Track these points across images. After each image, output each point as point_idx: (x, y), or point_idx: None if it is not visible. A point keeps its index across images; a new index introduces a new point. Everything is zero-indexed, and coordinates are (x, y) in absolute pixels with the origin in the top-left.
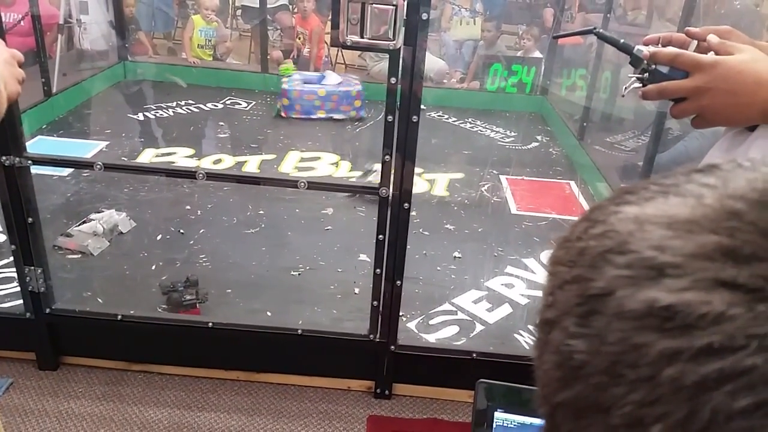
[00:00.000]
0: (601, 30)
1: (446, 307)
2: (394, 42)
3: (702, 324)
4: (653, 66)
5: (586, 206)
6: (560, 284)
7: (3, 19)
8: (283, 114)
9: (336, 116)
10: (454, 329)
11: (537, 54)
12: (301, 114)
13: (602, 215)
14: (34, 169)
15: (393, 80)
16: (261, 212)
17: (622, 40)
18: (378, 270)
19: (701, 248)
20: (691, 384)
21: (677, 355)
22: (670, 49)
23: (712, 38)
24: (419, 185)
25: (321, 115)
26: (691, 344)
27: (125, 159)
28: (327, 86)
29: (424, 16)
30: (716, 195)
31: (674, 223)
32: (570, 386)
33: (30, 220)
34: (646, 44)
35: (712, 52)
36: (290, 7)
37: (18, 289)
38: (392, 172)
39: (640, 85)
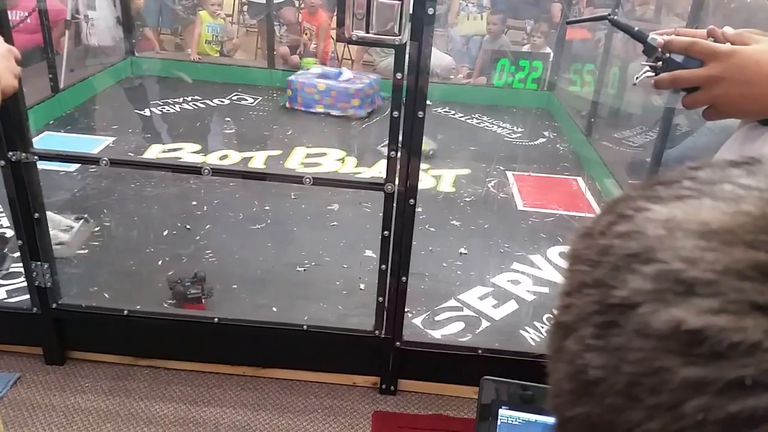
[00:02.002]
0: (615, 17)
1: (452, 303)
2: (400, 37)
3: (733, 354)
4: (667, 54)
5: (593, 202)
6: (579, 286)
7: (9, 17)
8: (287, 105)
9: (333, 112)
10: (459, 325)
11: (545, 49)
12: (302, 107)
13: (630, 210)
14: (41, 165)
15: (399, 76)
16: (267, 208)
17: (636, 28)
18: (383, 266)
19: (736, 264)
20: (717, 420)
21: (703, 386)
22: (686, 38)
23: (728, 29)
24: (425, 181)
25: (319, 109)
26: (720, 375)
27: (132, 155)
28: (326, 81)
29: (430, 11)
30: (756, 201)
31: (708, 233)
32: (583, 402)
33: (36, 215)
34: (660, 35)
35: (728, 43)
36: (295, 2)
37: (25, 284)
38: (398, 167)
39: (653, 74)
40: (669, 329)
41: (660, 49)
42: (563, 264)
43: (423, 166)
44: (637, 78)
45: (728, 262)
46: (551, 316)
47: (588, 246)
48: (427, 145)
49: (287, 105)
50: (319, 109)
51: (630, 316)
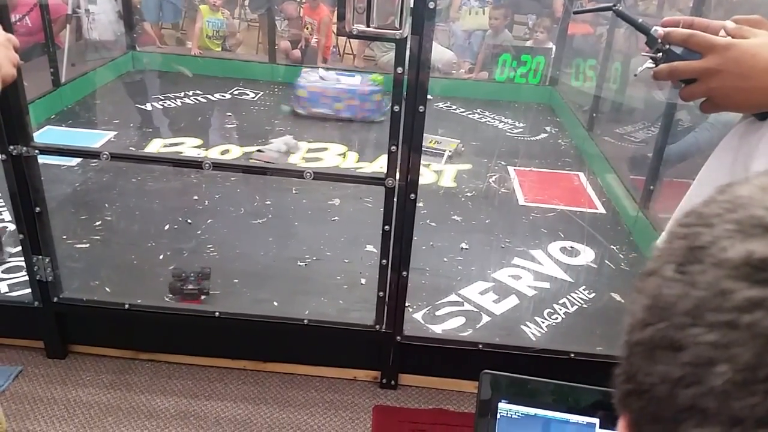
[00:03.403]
0: (620, 8)
1: (453, 298)
2: (400, 31)
3: None
4: (667, 46)
5: (594, 198)
6: (671, 239)
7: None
8: (297, 110)
9: (351, 116)
10: (460, 320)
11: (548, 44)
12: (315, 110)
13: (729, 187)
14: (42, 159)
15: (400, 70)
16: (268, 203)
17: (640, 20)
18: (384, 261)
19: None
20: (766, 331)
21: (760, 304)
22: (685, 30)
23: (729, 23)
24: (426, 176)
25: (339, 108)
26: None
27: (133, 149)
28: (344, 85)
29: (431, 5)
30: None
31: None
32: (652, 324)
33: (38, 209)
34: (664, 26)
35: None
36: None
37: (26, 278)
38: (398, 162)
39: (653, 65)
40: (741, 258)
41: (660, 41)
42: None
43: (424, 161)
44: (639, 69)
45: None
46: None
47: (690, 215)
48: (452, 144)
49: (297, 110)
50: (339, 110)
51: (710, 250)
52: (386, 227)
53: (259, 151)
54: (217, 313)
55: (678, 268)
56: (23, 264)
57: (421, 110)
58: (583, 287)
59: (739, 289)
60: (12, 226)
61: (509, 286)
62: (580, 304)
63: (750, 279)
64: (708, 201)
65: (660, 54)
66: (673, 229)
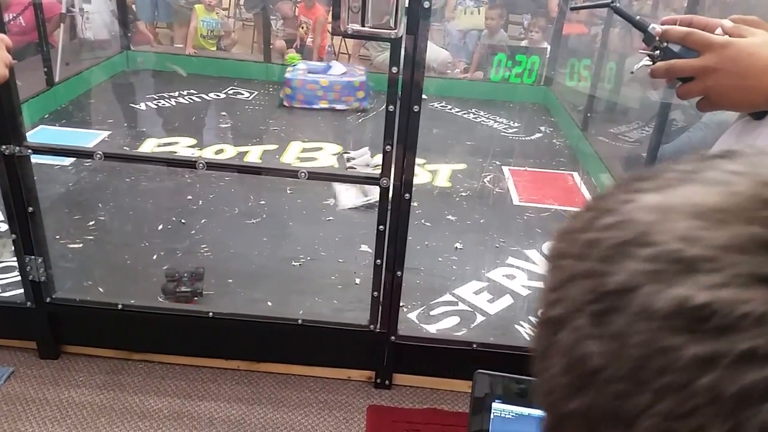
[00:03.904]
0: (618, 5)
1: (447, 297)
2: (395, 31)
3: (742, 326)
4: (665, 44)
5: (588, 197)
6: (568, 279)
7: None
8: (285, 103)
9: (338, 107)
10: (454, 320)
11: (542, 44)
12: (303, 104)
13: (612, 204)
14: (36, 159)
15: (395, 69)
16: (262, 202)
17: (638, 17)
18: (378, 260)
19: (735, 239)
20: (732, 395)
21: (714, 361)
22: (682, 28)
23: (726, 22)
24: (421, 176)
25: (323, 105)
26: (731, 348)
27: (127, 149)
28: (330, 76)
29: (426, 5)
30: (747, 182)
31: (703, 213)
32: (583, 393)
33: (30, 209)
34: (663, 24)
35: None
36: None
37: (19, 278)
38: (393, 162)
39: (651, 63)
40: (673, 308)
41: (658, 38)
42: (544, 264)
43: (419, 160)
44: (636, 67)
45: (727, 238)
46: (536, 315)
47: (571, 242)
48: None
49: (285, 104)
50: (323, 105)
51: (629, 299)
52: (381, 227)
53: (348, 159)
54: (210, 313)
55: (593, 319)
56: (16, 264)
57: (416, 110)
58: None
59: (683, 344)
60: (4, 226)
61: (504, 286)
62: None
63: (691, 331)
64: (585, 223)
65: (657, 52)
66: (558, 259)
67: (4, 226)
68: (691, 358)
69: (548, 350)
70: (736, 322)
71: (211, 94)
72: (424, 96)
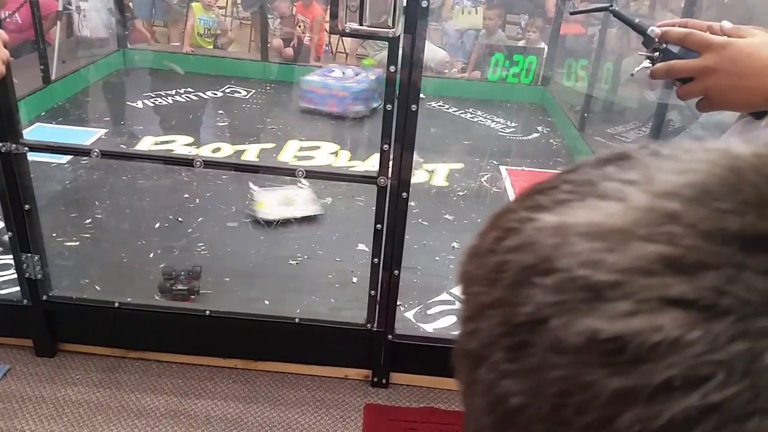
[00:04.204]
0: (616, 8)
1: (444, 297)
2: (393, 30)
3: (656, 356)
4: (664, 45)
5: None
6: (480, 309)
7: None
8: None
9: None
10: (451, 319)
11: (540, 44)
12: (334, 108)
13: (514, 222)
14: (32, 156)
15: (392, 69)
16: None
17: (637, 20)
18: (376, 259)
19: (638, 261)
20: (657, 429)
21: (633, 396)
22: (682, 29)
23: (726, 23)
24: (418, 175)
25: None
26: (648, 381)
27: (124, 147)
28: (354, 81)
29: (424, 4)
30: (643, 194)
31: (602, 233)
32: None
33: (27, 207)
34: (661, 27)
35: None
36: None
37: (15, 276)
38: (391, 161)
39: (650, 64)
40: (584, 341)
41: (657, 40)
42: (458, 288)
43: (416, 160)
44: (636, 69)
45: (630, 260)
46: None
47: (480, 265)
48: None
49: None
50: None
51: (540, 332)
52: (378, 226)
53: None
54: (207, 312)
55: (508, 354)
56: (12, 262)
57: (413, 109)
58: None
59: (600, 379)
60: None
61: None
62: None
63: (606, 365)
64: (491, 243)
65: (657, 54)
66: (469, 285)
67: (0, 224)
68: (611, 393)
69: (470, 387)
70: (650, 352)
71: (208, 93)
72: (421, 95)
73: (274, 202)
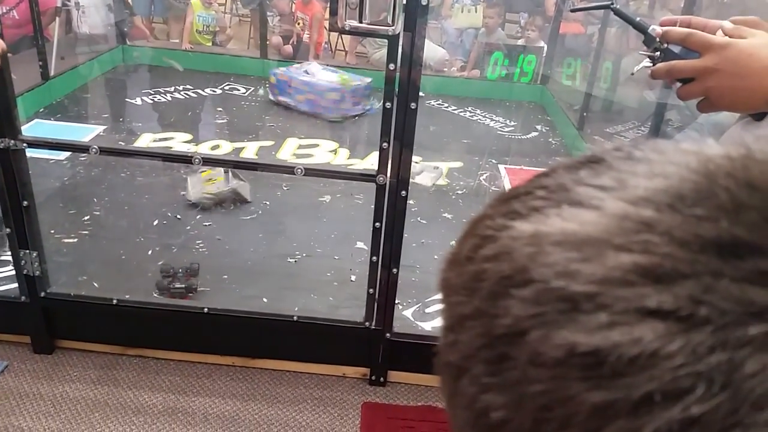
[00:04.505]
0: (618, 6)
1: None
2: (393, 27)
3: (635, 369)
4: (665, 45)
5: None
6: (460, 319)
7: None
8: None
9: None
10: None
11: (539, 43)
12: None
13: (491, 230)
14: (31, 153)
15: (392, 66)
16: (258, 197)
17: (638, 19)
18: (374, 258)
19: (614, 271)
20: None
21: (615, 410)
22: (683, 29)
23: (727, 23)
24: (425, 176)
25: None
26: (628, 395)
27: (122, 143)
28: (353, 80)
29: (424, 2)
30: (616, 201)
31: (578, 242)
32: None
33: (25, 203)
34: (662, 25)
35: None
36: None
37: (13, 272)
38: (390, 159)
39: (651, 64)
40: (563, 355)
41: (658, 40)
42: (438, 296)
43: (415, 158)
44: (636, 68)
45: (605, 270)
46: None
47: (459, 274)
48: None
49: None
50: (367, 105)
51: (520, 345)
52: (377, 224)
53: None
54: (205, 309)
55: (489, 367)
56: (10, 258)
57: (412, 107)
58: None
59: (581, 393)
60: None
61: None
62: None
63: (586, 379)
64: (469, 251)
65: (658, 53)
66: (449, 294)
67: None
68: (592, 407)
69: (453, 399)
70: (629, 365)
71: (207, 90)
72: (421, 93)
73: (196, 181)
